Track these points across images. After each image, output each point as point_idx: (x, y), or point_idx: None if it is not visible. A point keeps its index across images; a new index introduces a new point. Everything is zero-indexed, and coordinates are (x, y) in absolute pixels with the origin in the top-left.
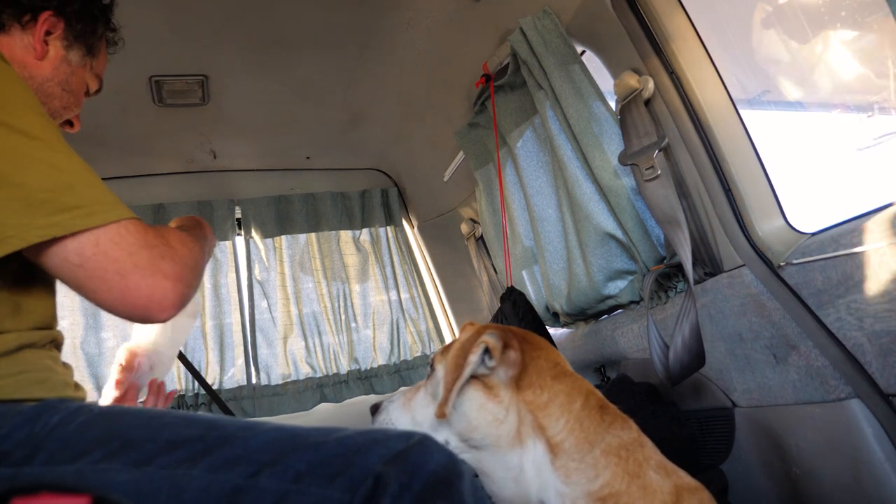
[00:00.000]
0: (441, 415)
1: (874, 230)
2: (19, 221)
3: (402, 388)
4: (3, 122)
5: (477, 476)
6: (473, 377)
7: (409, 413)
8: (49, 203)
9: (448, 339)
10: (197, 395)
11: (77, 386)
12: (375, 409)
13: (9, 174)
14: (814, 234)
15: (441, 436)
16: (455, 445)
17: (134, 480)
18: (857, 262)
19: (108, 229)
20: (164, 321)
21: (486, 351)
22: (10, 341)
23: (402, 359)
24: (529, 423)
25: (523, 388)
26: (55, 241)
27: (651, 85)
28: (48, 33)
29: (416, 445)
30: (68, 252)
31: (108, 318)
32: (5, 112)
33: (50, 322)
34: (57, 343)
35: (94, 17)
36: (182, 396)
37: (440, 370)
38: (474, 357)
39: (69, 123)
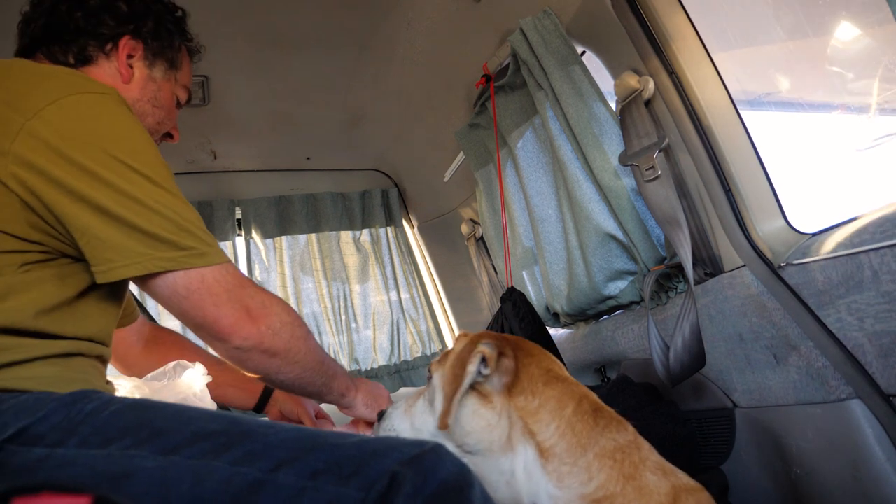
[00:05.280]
0: (443, 426)
1: (874, 230)
2: (145, 251)
3: (402, 390)
4: (134, 168)
5: None
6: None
7: (409, 420)
8: (170, 242)
9: (448, 340)
10: None
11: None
12: (380, 416)
13: (136, 219)
14: (814, 235)
15: (438, 441)
16: (452, 450)
17: (160, 468)
18: (857, 262)
19: (213, 269)
20: (237, 347)
21: (482, 360)
22: (66, 346)
23: (402, 359)
24: (519, 428)
25: (515, 394)
26: (169, 272)
27: (651, 85)
28: (130, 56)
29: (430, 452)
30: (178, 285)
31: None
32: (134, 158)
33: (104, 339)
34: (103, 359)
35: (169, 32)
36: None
37: (437, 379)
38: (472, 367)
39: (169, 136)
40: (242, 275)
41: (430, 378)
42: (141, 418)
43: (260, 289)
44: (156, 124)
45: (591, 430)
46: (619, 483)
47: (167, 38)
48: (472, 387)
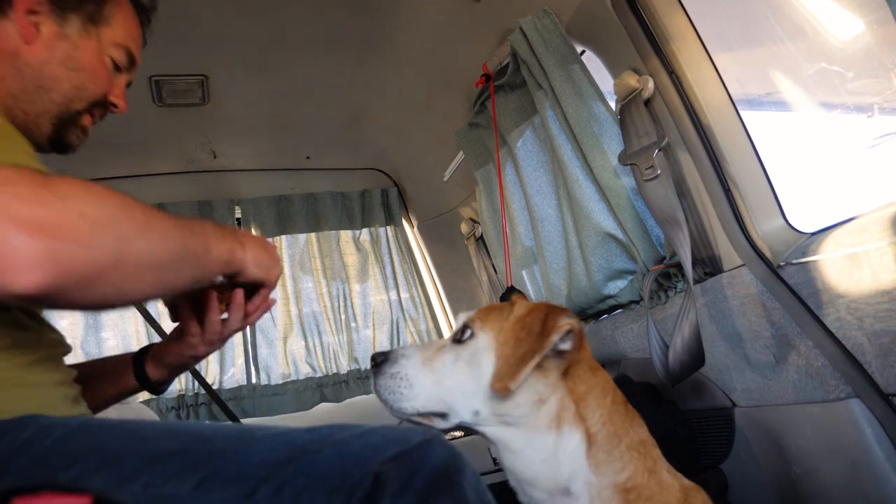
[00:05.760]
0: (505, 389)
1: (874, 230)
2: None
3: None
4: None
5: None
6: None
7: (430, 374)
8: None
9: None
10: (197, 394)
11: (76, 399)
12: (382, 359)
13: None
14: (813, 234)
15: (472, 404)
16: (486, 417)
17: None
18: (856, 262)
19: None
20: (30, 296)
21: (569, 332)
22: None
23: None
24: (571, 410)
25: (567, 376)
26: None
27: (651, 85)
28: (32, 12)
29: (418, 446)
30: None
31: (108, 318)
32: None
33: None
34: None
35: None
36: (182, 396)
37: (487, 338)
38: (557, 337)
39: (108, 105)
40: (17, 170)
41: (472, 335)
42: (91, 443)
43: (52, 177)
44: (73, 89)
45: (624, 420)
46: (645, 475)
47: None
48: None
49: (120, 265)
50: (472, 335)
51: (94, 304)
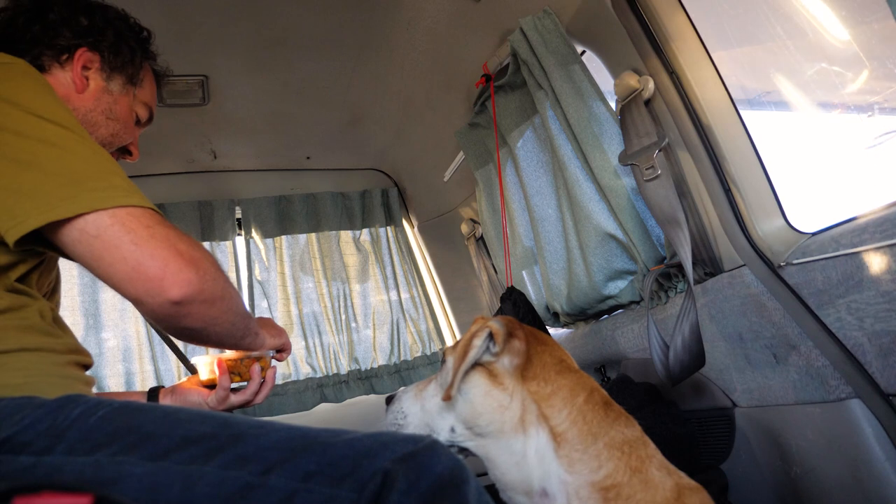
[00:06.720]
0: (447, 397)
1: (874, 230)
2: (64, 193)
3: (402, 390)
4: (41, 115)
5: (483, 475)
6: (480, 365)
7: (419, 402)
8: (78, 183)
9: (448, 339)
10: None
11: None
12: (391, 399)
13: (44, 161)
14: (814, 234)
15: (447, 422)
16: (460, 432)
17: (149, 473)
18: (857, 262)
19: (127, 209)
20: (176, 302)
21: (491, 338)
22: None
23: (402, 359)
24: (533, 411)
25: (528, 379)
26: (77, 216)
27: (651, 85)
28: (86, 68)
29: (425, 449)
30: (87, 223)
31: (108, 319)
32: (42, 108)
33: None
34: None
35: (131, 49)
36: None
37: (450, 361)
38: (479, 341)
39: (127, 152)
40: (164, 218)
41: (443, 363)
42: (129, 423)
43: (188, 235)
44: (109, 136)
45: (602, 420)
46: (626, 474)
47: (128, 54)
48: (484, 367)
49: (223, 300)
50: (443, 362)
51: (200, 322)
